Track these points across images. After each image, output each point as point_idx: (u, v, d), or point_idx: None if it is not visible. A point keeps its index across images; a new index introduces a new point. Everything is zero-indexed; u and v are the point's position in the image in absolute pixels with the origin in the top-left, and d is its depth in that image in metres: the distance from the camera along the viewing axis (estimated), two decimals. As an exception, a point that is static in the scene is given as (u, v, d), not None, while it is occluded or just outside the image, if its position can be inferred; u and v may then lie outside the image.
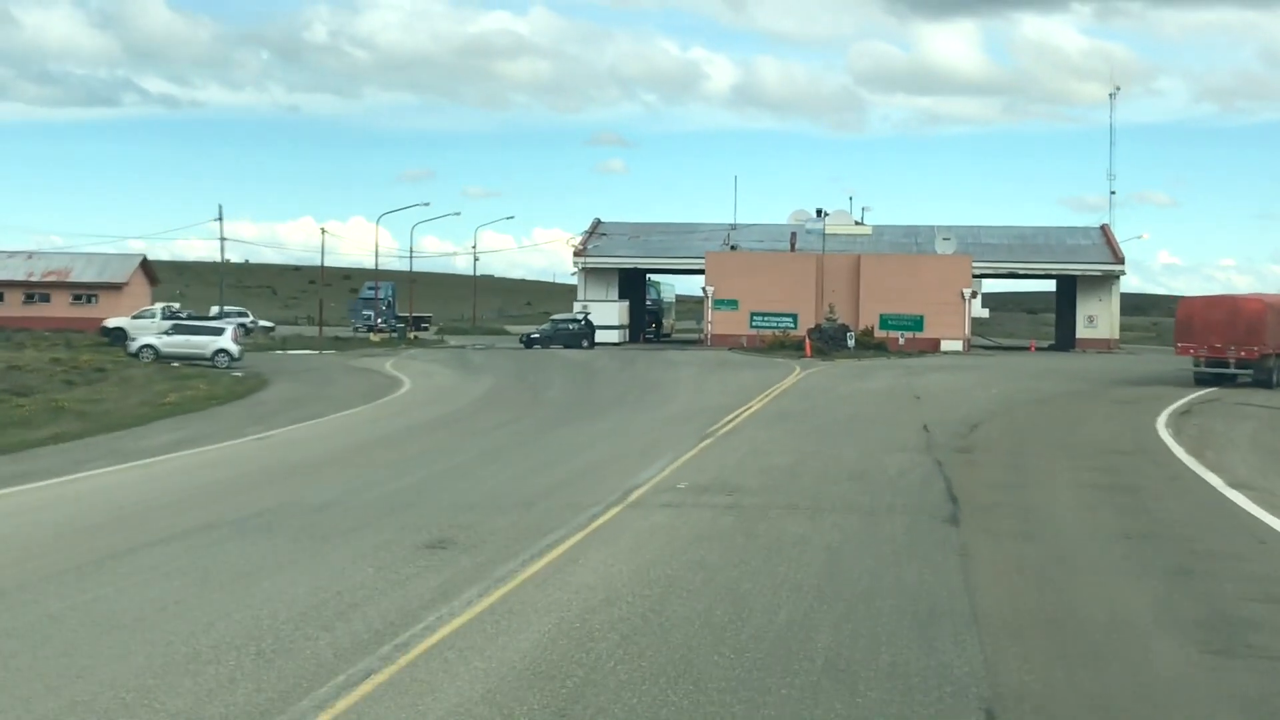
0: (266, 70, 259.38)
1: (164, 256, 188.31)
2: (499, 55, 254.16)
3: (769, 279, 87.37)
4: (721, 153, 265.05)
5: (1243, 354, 53.16)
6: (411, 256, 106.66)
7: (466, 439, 30.00)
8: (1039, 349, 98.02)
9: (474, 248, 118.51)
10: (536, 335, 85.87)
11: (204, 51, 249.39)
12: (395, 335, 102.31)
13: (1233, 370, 53.39)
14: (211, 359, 59.55)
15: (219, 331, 62.09)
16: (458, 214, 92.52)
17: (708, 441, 28.46)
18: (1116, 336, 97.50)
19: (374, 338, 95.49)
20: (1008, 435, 32.07)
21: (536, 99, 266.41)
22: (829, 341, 77.25)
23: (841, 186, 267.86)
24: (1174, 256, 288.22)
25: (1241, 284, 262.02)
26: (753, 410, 37.71)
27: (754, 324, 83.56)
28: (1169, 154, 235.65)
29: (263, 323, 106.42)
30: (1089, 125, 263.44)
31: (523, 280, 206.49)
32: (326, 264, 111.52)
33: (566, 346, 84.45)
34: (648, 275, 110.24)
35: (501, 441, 29.11)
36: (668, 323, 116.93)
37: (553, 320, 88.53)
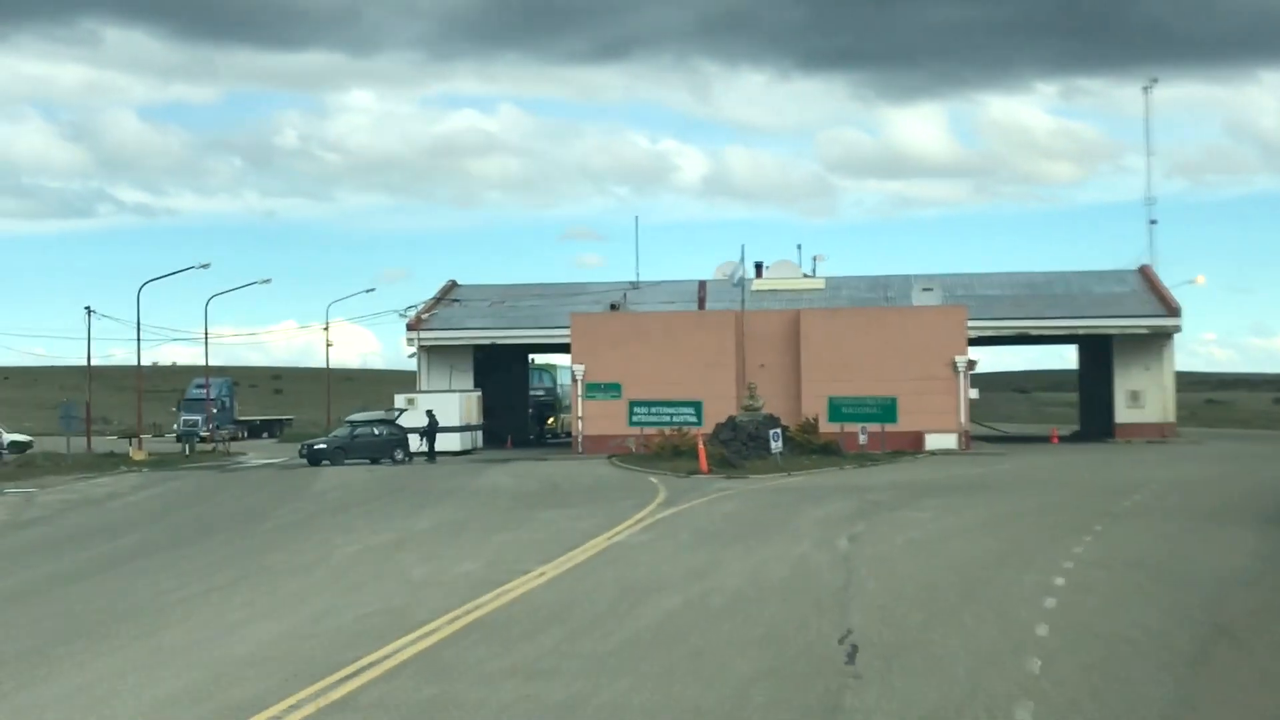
0: (239, 176, 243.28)
1: (145, 362, 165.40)
2: (469, 154, 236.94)
3: (665, 352, 56.66)
4: (695, 242, 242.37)
5: None
6: (207, 338, 75.52)
7: None
8: (1062, 439, 67.17)
9: (325, 329, 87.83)
10: (322, 445, 54.94)
11: (176, 160, 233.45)
12: (184, 445, 71.39)
13: None
14: None
15: None
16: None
17: None
18: (1172, 420, 66.60)
19: (135, 454, 64.24)
20: None
21: (509, 196, 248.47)
22: (745, 444, 46.31)
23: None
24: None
25: (1222, 358, 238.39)
26: None
27: (634, 419, 52.48)
28: (1141, 230, 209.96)
29: (13, 437, 75.50)
30: (1061, 205, 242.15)
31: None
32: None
33: (374, 460, 53.80)
34: (532, 357, 79.66)
35: None
36: (568, 419, 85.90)
37: (350, 423, 57.50)
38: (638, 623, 15.03)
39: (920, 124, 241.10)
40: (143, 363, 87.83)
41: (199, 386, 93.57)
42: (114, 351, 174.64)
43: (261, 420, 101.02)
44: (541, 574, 19.19)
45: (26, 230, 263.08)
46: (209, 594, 17.70)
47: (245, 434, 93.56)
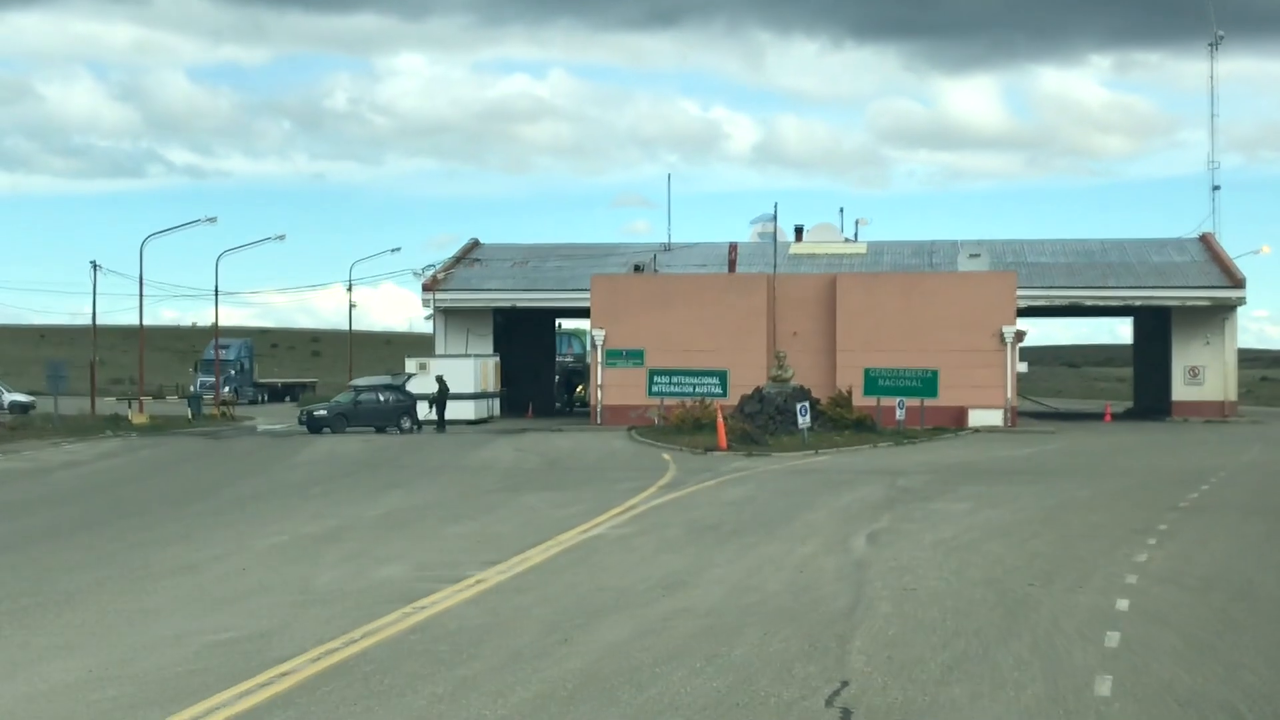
0: (289, 139, 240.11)
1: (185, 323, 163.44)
2: (520, 119, 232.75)
3: (692, 317, 52.83)
4: (745, 211, 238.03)
5: None
6: (217, 296, 72.12)
7: None
8: (1115, 417, 62.92)
9: (349, 289, 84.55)
10: (323, 412, 51.50)
11: (226, 122, 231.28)
12: (191, 408, 67.94)
13: None
14: None
15: None
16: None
17: None
18: (1233, 398, 62.24)
19: (136, 418, 60.86)
20: None
21: (559, 161, 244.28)
22: (772, 418, 42.52)
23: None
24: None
25: (1276, 335, 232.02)
26: None
27: (654, 389, 48.69)
28: (1196, 206, 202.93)
29: (14, 397, 72.74)
30: (1115, 179, 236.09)
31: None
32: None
33: (380, 429, 50.31)
34: (559, 321, 75.99)
35: None
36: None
37: (354, 388, 53.97)
38: (563, 665, 11.26)
39: (973, 95, 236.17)
40: (184, 324, 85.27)
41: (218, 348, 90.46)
42: (165, 312, 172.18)
43: (283, 384, 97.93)
44: (479, 581, 15.48)
45: (76, 189, 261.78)
46: (37, 608, 14.03)
47: (265, 397, 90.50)
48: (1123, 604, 14.30)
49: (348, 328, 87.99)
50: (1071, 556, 17.73)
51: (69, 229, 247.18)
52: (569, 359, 78.69)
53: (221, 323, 77.19)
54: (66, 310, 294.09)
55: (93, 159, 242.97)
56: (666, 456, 36.63)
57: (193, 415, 63.89)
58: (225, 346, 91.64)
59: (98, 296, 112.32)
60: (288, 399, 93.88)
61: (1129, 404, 73.77)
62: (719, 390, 47.10)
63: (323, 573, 16.17)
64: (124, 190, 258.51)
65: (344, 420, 50.55)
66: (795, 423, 40.64)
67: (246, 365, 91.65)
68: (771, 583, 15.54)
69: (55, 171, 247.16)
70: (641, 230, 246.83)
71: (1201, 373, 61.56)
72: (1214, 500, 25.19)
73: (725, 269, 61.80)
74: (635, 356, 52.32)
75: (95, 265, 68.87)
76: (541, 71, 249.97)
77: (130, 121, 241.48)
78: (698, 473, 31.06)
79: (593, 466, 33.67)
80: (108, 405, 69.10)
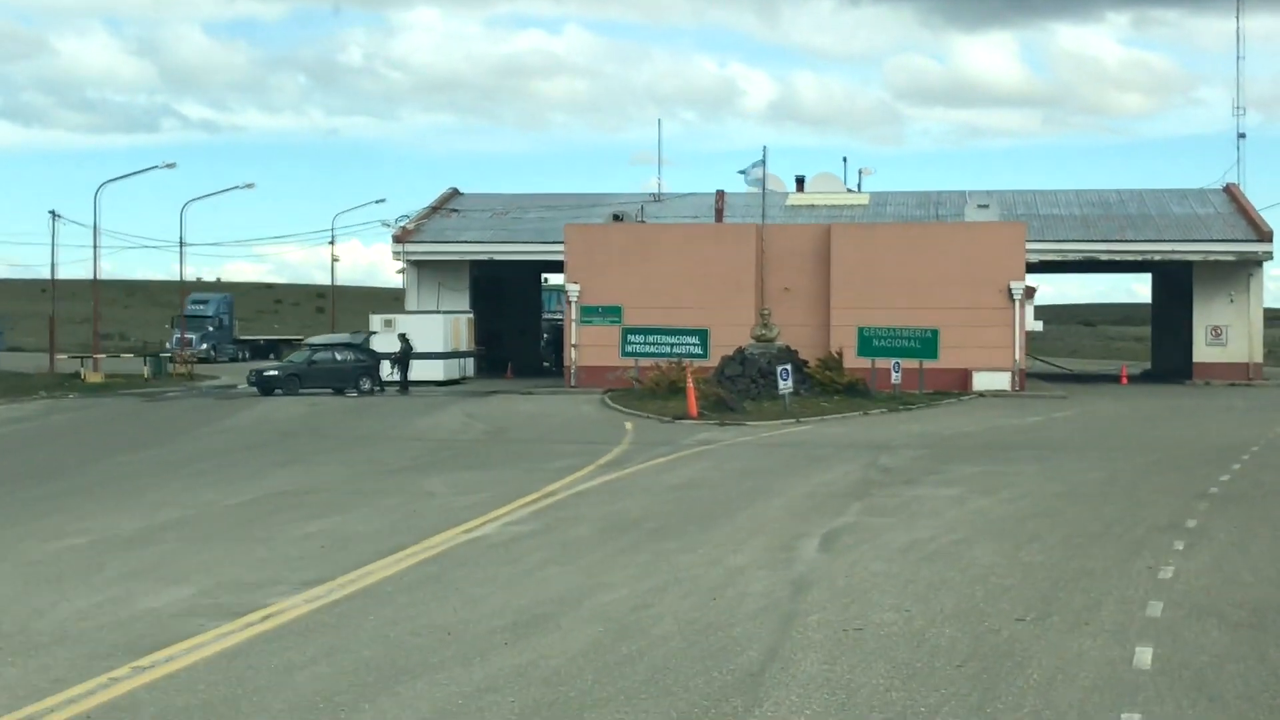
0: (304, 94, 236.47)
1: (209, 278, 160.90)
2: (535, 75, 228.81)
3: (675, 271, 48.53)
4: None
5: None
6: (182, 248, 67.96)
7: None
8: (1132, 379, 58.66)
9: (331, 243, 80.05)
10: (274, 373, 47.54)
11: (241, 76, 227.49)
12: (148, 366, 63.78)
13: None
14: None
15: None
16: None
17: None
18: (1259, 359, 57.88)
19: (90, 376, 56.70)
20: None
21: (575, 118, 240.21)
22: (755, 381, 38.38)
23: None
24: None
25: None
26: None
27: (628, 348, 44.43)
28: (1216, 165, 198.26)
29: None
30: (1131, 137, 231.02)
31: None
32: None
33: (338, 390, 46.27)
34: (546, 277, 71.82)
35: None
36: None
37: (309, 346, 49.90)
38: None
39: (990, 52, 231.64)
40: (198, 279, 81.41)
41: (196, 303, 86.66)
42: (187, 268, 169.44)
43: (266, 340, 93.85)
44: (268, 616, 11.38)
45: (90, 144, 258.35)
46: None
47: (246, 354, 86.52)
48: (1144, 654, 10.18)
49: (358, 283, 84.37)
50: (1077, 570, 13.62)
51: (83, 183, 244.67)
52: (558, 317, 74.54)
53: (236, 278, 73.55)
54: (74, 262, 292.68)
55: (107, 114, 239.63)
56: (629, 425, 32.55)
57: (150, 374, 59.93)
58: (204, 301, 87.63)
59: (135, 249, 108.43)
60: (271, 356, 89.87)
61: (1147, 365, 69.46)
62: (699, 350, 42.87)
63: (75, 598, 12.07)
64: (139, 145, 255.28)
65: (296, 381, 46.58)
66: (776, 388, 36.45)
67: (226, 321, 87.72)
68: (668, 618, 11.42)
69: (70, 126, 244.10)
70: (658, 187, 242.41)
71: (1225, 332, 57.18)
72: (1250, 484, 21.05)
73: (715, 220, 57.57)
74: (613, 313, 48.06)
75: (54, 215, 64.80)
76: (557, 27, 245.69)
77: (146, 76, 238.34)
78: (653, 446, 26.92)
79: (539, 438, 29.58)
80: (70, 364, 65.34)
